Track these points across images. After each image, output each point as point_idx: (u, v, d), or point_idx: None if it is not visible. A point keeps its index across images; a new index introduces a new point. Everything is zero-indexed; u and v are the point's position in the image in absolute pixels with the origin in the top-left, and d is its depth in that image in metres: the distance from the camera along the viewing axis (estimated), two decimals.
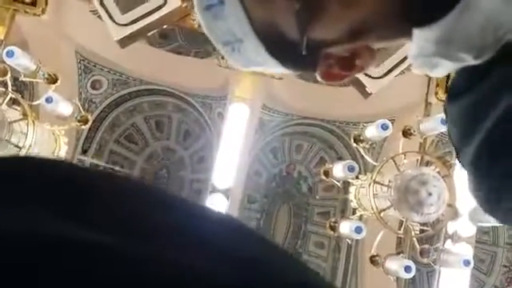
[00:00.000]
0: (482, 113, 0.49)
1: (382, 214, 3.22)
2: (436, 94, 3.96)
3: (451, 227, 3.67)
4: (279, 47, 0.53)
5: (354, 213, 3.68)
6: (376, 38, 0.53)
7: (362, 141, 3.51)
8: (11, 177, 0.30)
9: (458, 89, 0.53)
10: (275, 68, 0.57)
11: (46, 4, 3.70)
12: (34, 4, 3.66)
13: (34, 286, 0.22)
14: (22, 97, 3.51)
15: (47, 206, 0.28)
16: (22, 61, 3.11)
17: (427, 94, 4.04)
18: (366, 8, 0.49)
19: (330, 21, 0.50)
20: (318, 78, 0.58)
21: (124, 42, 3.58)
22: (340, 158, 4.77)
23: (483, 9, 0.46)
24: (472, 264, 3.35)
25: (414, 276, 3.36)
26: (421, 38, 0.50)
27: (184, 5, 3.60)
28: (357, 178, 3.50)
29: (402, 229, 3.30)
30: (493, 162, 0.49)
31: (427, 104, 4.02)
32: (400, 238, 3.89)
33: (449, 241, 3.71)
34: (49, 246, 0.25)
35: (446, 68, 0.52)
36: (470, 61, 0.49)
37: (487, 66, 0.49)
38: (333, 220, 3.71)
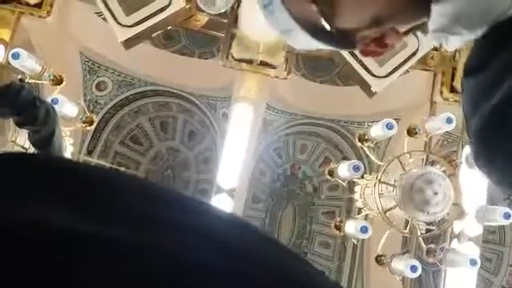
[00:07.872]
0: (491, 88, 0.54)
1: (387, 214, 3.21)
2: (441, 92, 3.94)
3: (457, 226, 3.65)
4: (320, 35, 0.66)
5: (359, 212, 3.67)
6: (398, 23, 0.63)
7: (366, 140, 3.49)
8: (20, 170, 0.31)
9: (473, 65, 0.59)
10: (326, 47, 0.70)
11: (51, 6, 3.71)
12: (39, 6, 3.67)
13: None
14: None
15: (54, 198, 0.29)
16: (27, 63, 3.12)
17: (432, 92, 4.02)
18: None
19: (350, 13, 0.62)
20: (360, 54, 0.75)
21: (129, 43, 3.58)
22: (345, 158, 4.76)
23: None
24: (479, 264, 3.33)
25: (419, 276, 3.34)
26: (437, 14, 0.58)
27: (188, 6, 3.61)
28: (362, 177, 3.49)
29: (408, 228, 3.28)
30: (495, 132, 0.54)
31: (432, 103, 4.00)
32: (406, 237, 3.87)
33: (455, 240, 3.69)
34: (61, 239, 0.25)
35: (458, 41, 0.60)
36: (466, 34, 0.57)
37: (500, 44, 0.54)
38: (338, 220, 3.70)
